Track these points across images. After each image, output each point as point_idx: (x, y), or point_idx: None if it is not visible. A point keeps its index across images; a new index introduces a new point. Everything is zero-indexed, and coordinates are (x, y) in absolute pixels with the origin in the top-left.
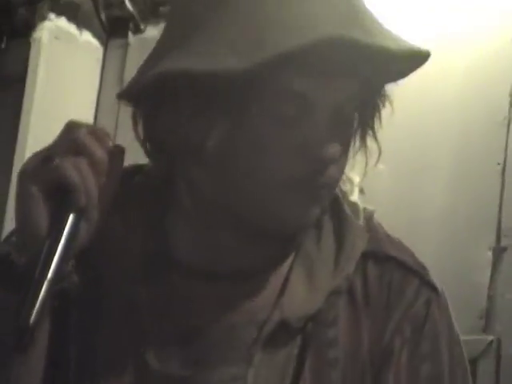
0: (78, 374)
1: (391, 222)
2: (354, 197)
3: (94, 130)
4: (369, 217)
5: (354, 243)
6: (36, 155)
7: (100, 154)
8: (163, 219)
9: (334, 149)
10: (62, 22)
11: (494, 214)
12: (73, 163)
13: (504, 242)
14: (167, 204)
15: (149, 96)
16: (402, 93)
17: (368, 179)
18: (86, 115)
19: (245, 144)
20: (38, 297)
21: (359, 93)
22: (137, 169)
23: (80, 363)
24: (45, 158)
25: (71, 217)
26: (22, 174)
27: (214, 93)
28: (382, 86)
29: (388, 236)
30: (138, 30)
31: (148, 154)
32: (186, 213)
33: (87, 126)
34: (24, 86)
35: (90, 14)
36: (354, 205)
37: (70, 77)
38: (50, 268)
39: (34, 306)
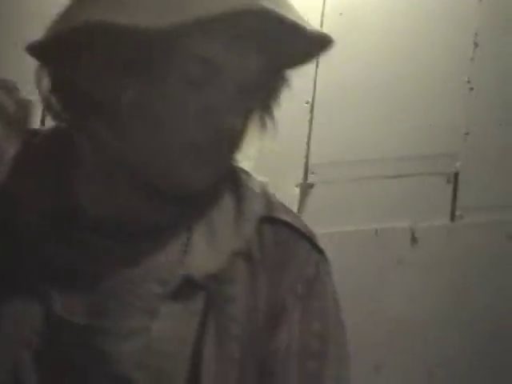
0: None
1: None
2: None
3: (3, 82)
4: (263, 185)
5: (252, 208)
6: None
7: (8, 104)
8: (69, 177)
9: (236, 119)
10: None
11: (301, 151)
12: None
13: (311, 179)
14: (72, 162)
15: (59, 50)
16: None
17: None
18: None
19: (153, 104)
20: None
21: (264, 69)
22: (36, 131)
23: None
24: None
25: None
26: None
27: (128, 50)
28: (285, 68)
29: (281, 203)
30: None
31: (50, 109)
32: (90, 170)
33: None
34: None
35: None
36: (246, 173)
37: None
38: None
39: None
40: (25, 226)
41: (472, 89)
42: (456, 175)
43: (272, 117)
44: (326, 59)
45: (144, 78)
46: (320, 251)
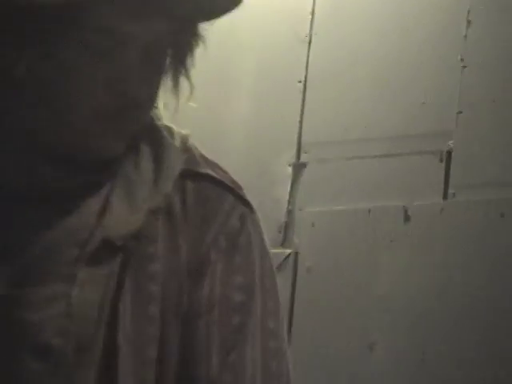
0: None
1: (196, 135)
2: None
3: None
4: (185, 139)
5: (171, 164)
6: None
7: None
8: None
9: (143, 85)
10: None
11: (294, 130)
12: None
13: (303, 159)
14: None
15: None
16: None
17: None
18: None
19: (53, 73)
20: None
21: (171, 32)
22: None
23: None
24: None
25: None
26: None
27: (24, 20)
28: (196, 25)
29: (204, 157)
30: None
31: None
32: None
33: None
34: None
35: None
36: (169, 129)
37: None
38: None
39: None
40: None
41: (465, 67)
42: (449, 153)
43: (187, 74)
44: (319, 39)
45: (39, 50)
46: (246, 203)
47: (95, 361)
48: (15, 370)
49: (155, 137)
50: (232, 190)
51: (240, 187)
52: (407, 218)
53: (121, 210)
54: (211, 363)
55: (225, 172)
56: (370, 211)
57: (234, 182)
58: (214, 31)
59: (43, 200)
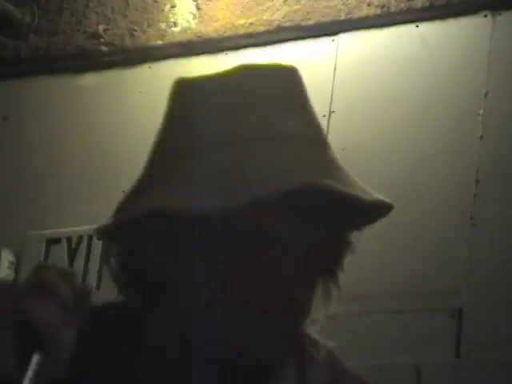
0: None
1: None
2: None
3: (62, 271)
4: (330, 352)
5: (317, 377)
6: (4, 294)
7: (67, 295)
8: (136, 353)
9: (303, 289)
10: None
11: None
12: (40, 304)
13: None
14: (137, 339)
15: (124, 235)
16: None
17: None
18: None
19: (219, 280)
20: None
21: (329, 239)
22: (110, 305)
23: None
24: (14, 298)
25: (35, 357)
26: None
27: (192, 230)
28: (348, 234)
29: (347, 369)
30: None
31: (120, 287)
32: (159, 347)
33: (55, 267)
34: None
35: None
36: (313, 340)
37: None
38: None
39: None
40: None
41: (474, 225)
42: (460, 311)
43: (337, 282)
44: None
45: (211, 257)
46: None
47: None
48: None
49: (301, 345)
50: None
51: None
52: (419, 377)
53: None
54: None
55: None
56: (381, 368)
57: None
58: None
59: None
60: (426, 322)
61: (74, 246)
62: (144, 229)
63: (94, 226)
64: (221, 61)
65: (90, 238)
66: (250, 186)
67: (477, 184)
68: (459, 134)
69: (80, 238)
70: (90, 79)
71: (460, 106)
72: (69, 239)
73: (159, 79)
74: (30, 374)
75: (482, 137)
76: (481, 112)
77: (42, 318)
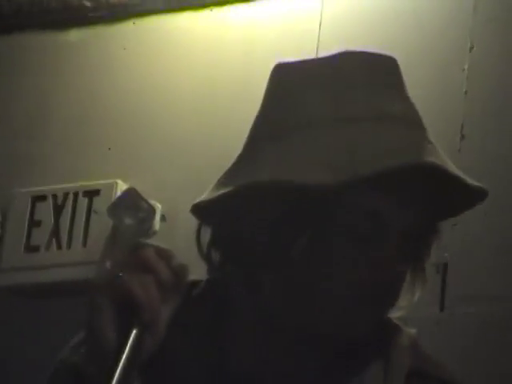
0: None
1: None
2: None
3: (161, 250)
4: (412, 337)
5: (401, 362)
6: (107, 270)
7: (165, 272)
8: (222, 330)
9: (396, 274)
10: None
11: None
12: (140, 281)
13: None
14: (227, 315)
15: (223, 207)
16: None
17: None
18: None
19: (319, 256)
20: None
21: (424, 224)
22: (194, 283)
23: None
24: (115, 274)
25: (134, 332)
26: (94, 287)
27: (299, 205)
28: (441, 221)
29: (430, 356)
30: None
31: (209, 264)
32: (248, 325)
33: (154, 246)
34: None
35: None
36: (398, 327)
37: None
38: (114, 377)
39: None
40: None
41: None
42: (445, 266)
43: (424, 271)
44: None
45: (311, 231)
46: None
47: None
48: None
49: (385, 330)
50: None
51: (459, 382)
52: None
53: None
54: None
55: (448, 369)
56: None
57: (454, 379)
58: None
59: None
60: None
61: (59, 203)
62: (243, 202)
63: (79, 184)
64: (206, 16)
65: (76, 194)
66: (356, 164)
67: (462, 139)
68: (444, 90)
69: (66, 195)
70: (74, 35)
71: (445, 61)
72: (54, 196)
73: (143, 35)
74: (127, 347)
75: (466, 92)
76: (466, 67)
77: (142, 295)
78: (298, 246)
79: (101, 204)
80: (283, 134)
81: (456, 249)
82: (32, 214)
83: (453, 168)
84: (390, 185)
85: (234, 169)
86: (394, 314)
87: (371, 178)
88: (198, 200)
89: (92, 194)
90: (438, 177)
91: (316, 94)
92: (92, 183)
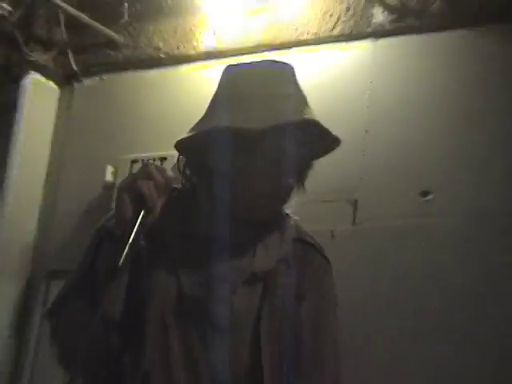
0: (145, 297)
1: None
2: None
3: (158, 167)
4: (296, 220)
5: (289, 234)
6: (127, 178)
7: (161, 180)
8: (192, 213)
9: (291, 180)
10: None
11: None
12: (146, 184)
13: None
14: (194, 204)
15: (193, 144)
16: None
17: None
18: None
19: (247, 171)
20: (125, 249)
21: (302, 156)
22: (176, 188)
23: (146, 289)
24: (132, 180)
25: (142, 213)
26: (120, 188)
27: (242, 142)
28: (311, 158)
29: (306, 232)
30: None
31: (184, 176)
32: (205, 209)
33: (155, 164)
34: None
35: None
36: (288, 214)
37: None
38: (131, 236)
39: (124, 252)
40: (167, 240)
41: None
42: (356, 201)
43: (304, 185)
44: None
45: (246, 156)
46: (327, 260)
47: (247, 338)
48: (206, 336)
49: (282, 216)
50: (320, 251)
51: (322, 248)
52: (333, 237)
53: (261, 257)
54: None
55: (316, 240)
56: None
57: (321, 246)
58: None
59: (227, 246)
60: (334, 207)
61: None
62: (207, 140)
63: (156, 153)
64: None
65: (153, 159)
66: (272, 118)
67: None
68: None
69: (153, 159)
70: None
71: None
72: (142, 160)
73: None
74: (138, 221)
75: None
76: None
77: (147, 192)
78: (236, 165)
79: (168, 166)
80: (233, 102)
81: (364, 189)
82: (130, 171)
83: (323, 124)
84: (290, 132)
85: (202, 120)
86: (288, 209)
87: (279, 127)
88: (178, 139)
89: (162, 159)
90: (314, 128)
91: (253, 82)
92: (163, 153)
